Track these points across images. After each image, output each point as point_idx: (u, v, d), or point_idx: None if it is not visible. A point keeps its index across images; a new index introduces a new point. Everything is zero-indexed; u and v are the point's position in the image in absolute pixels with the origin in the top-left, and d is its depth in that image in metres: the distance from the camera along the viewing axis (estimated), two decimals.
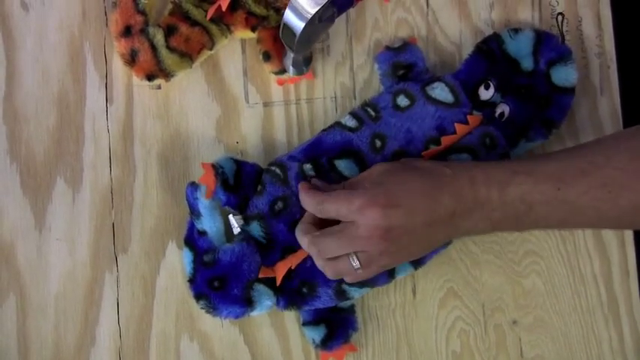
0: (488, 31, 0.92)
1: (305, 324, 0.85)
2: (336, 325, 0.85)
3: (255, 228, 0.83)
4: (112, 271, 0.86)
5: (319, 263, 0.78)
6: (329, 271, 0.78)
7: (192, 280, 0.83)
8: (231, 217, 0.84)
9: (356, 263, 0.76)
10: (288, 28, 0.78)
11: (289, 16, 0.77)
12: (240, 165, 0.84)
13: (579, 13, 0.93)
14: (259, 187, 0.83)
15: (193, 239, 0.84)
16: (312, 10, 0.76)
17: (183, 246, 0.84)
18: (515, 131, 0.87)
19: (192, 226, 0.84)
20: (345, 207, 0.75)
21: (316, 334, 0.85)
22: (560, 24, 0.92)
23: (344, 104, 0.90)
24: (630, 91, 0.95)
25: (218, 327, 0.87)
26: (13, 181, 0.86)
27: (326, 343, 0.84)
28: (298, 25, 0.77)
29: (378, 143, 0.85)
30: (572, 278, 0.90)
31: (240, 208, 0.84)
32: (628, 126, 0.90)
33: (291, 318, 0.87)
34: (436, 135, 0.85)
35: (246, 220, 0.83)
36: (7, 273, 0.85)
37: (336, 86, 0.90)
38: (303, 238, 0.79)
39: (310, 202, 0.79)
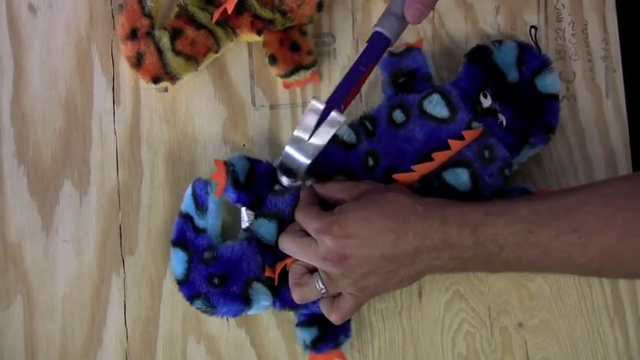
0: (494, 35, 0.90)
1: (298, 324, 0.84)
2: (329, 328, 0.83)
3: (269, 227, 0.81)
4: (119, 273, 0.85)
5: (290, 284, 0.80)
6: (295, 295, 0.79)
7: (184, 281, 0.81)
8: (243, 210, 0.83)
9: (320, 286, 0.77)
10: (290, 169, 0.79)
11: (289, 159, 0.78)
12: (254, 163, 0.82)
13: (585, 16, 0.91)
14: (279, 187, 0.82)
15: (186, 239, 0.82)
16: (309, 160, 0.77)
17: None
18: (518, 139, 0.85)
19: (182, 227, 0.82)
20: (309, 225, 0.77)
21: (308, 335, 0.83)
22: (534, 36, 0.91)
23: (350, 107, 0.87)
24: (636, 94, 0.93)
25: (225, 329, 0.85)
26: (20, 183, 0.85)
27: (315, 345, 0.82)
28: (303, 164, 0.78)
29: (371, 162, 0.83)
30: (578, 281, 0.88)
31: (252, 206, 0.82)
32: (633, 129, 0.90)
33: None
34: (428, 150, 0.82)
35: (263, 216, 0.81)
36: (14, 275, 0.84)
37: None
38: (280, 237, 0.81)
39: (298, 209, 0.81)
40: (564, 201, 0.74)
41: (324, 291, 0.77)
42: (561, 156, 0.89)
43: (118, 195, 0.85)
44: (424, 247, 0.74)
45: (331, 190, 0.81)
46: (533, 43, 0.90)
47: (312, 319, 0.83)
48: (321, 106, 0.76)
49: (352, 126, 0.84)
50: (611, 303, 0.87)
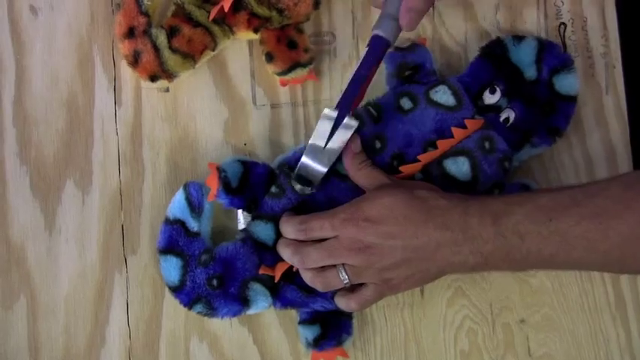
0: (494, 33, 0.87)
1: (301, 322, 0.81)
2: (331, 326, 0.80)
3: (266, 228, 0.78)
4: (122, 272, 0.82)
5: (307, 276, 0.77)
6: (318, 283, 0.76)
7: (180, 288, 0.78)
8: (239, 212, 0.80)
9: (343, 276, 0.75)
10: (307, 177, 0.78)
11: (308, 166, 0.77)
12: (248, 166, 0.79)
13: (584, 13, 0.88)
14: (276, 190, 0.79)
15: (179, 244, 0.79)
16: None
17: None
18: (520, 137, 0.82)
19: (172, 234, 0.79)
20: (328, 221, 0.75)
21: (310, 333, 0.80)
22: (562, 34, 0.88)
23: None
24: (635, 90, 0.90)
25: (227, 327, 0.82)
26: (23, 184, 0.82)
27: (318, 343, 0.79)
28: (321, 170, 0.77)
29: (378, 144, 0.80)
30: (580, 277, 0.85)
31: (248, 208, 0.80)
32: (633, 125, 0.87)
33: None
34: (435, 138, 0.80)
35: (260, 218, 0.78)
36: (17, 274, 0.81)
37: (343, 87, 0.83)
38: (285, 249, 0.77)
39: (292, 224, 0.77)
40: (585, 189, 0.72)
41: (347, 281, 0.75)
42: (561, 152, 0.86)
43: (120, 195, 0.82)
44: (444, 240, 0.72)
45: (355, 175, 0.78)
46: (559, 41, 0.87)
47: (314, 316, 0.80)
48: (334, 114, 0.76)
49: (355, 113, 0.80)
50: (613, 299, 0.85)
